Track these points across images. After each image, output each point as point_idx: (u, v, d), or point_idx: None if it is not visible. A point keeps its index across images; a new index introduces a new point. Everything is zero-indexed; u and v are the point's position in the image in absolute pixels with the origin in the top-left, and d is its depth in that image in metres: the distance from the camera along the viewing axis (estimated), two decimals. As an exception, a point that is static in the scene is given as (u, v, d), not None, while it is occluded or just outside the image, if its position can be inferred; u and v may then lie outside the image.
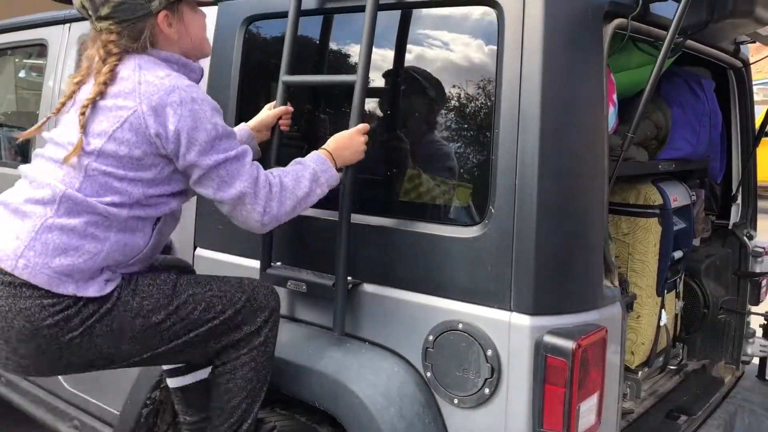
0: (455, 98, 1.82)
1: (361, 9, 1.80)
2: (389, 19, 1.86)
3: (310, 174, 1.69)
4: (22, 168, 1.70)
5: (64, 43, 2.89)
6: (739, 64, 2.70)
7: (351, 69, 1.82)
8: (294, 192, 1.66)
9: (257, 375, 1.77)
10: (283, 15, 1.98)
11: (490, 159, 1.66)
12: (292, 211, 1.68)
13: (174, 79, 1.60)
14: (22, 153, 3.55)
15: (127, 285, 1.65)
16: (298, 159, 1.75)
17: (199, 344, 1.72)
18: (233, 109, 2.15)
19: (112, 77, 1.61)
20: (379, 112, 1.94)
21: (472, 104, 1.78)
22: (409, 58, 1.89)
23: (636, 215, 2.28)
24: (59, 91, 2.87)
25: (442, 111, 1.86)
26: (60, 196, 1.56)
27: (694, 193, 2.56)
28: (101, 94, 1.60)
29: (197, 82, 1.73)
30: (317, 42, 2.11)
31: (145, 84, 1.58)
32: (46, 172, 1.62)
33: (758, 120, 2.92)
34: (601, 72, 1.71)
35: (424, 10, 1.84)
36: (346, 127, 1.79)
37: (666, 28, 1.74)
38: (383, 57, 1.91)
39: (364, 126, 1.78)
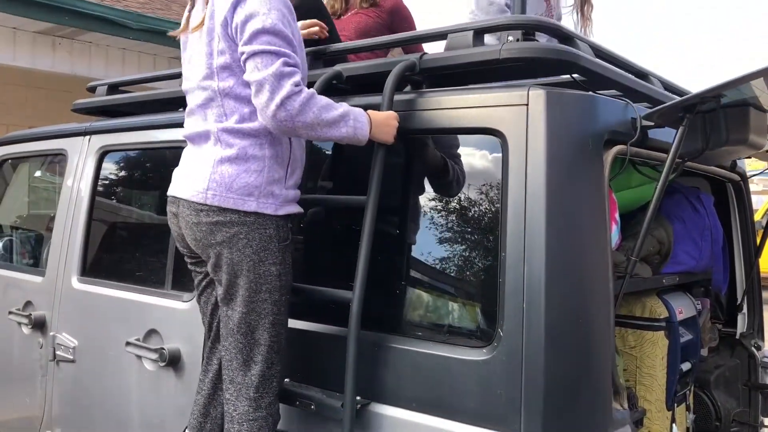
0: (463, 222, 1.88)
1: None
2: (399, 144, 1.94)
3: (344, 111, 1.82)
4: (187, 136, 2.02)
5: (83, 154, 2.98)
6: (737, 177, 2.77)
7: (362, 189, 1.88)
8: (320, 112, 1.78)
9: None
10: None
11: (498, 282, 1.69)
12: (310, 126, 1.77)
13: None
14: (35, 256, 3.60)
15: (287, 230, 1.92)
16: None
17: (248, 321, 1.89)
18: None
19: None
20: (389, 232, 1.99)
21: (480, 228, 1.84)
22: (418, 182, 1.96)
23: (642, 328, 2.29)
24: (77, 197, 2.94)
25: (451, 234, 1.91)
26: (215, 134, 1.89)
27: (699, 302, 2.57)
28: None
29: None
30: (330, 161, 2.20)
31: None
32: (199, 123, 1.95)
33: (760, 212, 2.97)
34: (603, 195, 1.77)
35: (432, 137, 1.93)
36: (357, 244, 1.83)
37: (664, 151, 1.80)
38: (393, 179, 1.98)
39: (396, 114, 1.89)
